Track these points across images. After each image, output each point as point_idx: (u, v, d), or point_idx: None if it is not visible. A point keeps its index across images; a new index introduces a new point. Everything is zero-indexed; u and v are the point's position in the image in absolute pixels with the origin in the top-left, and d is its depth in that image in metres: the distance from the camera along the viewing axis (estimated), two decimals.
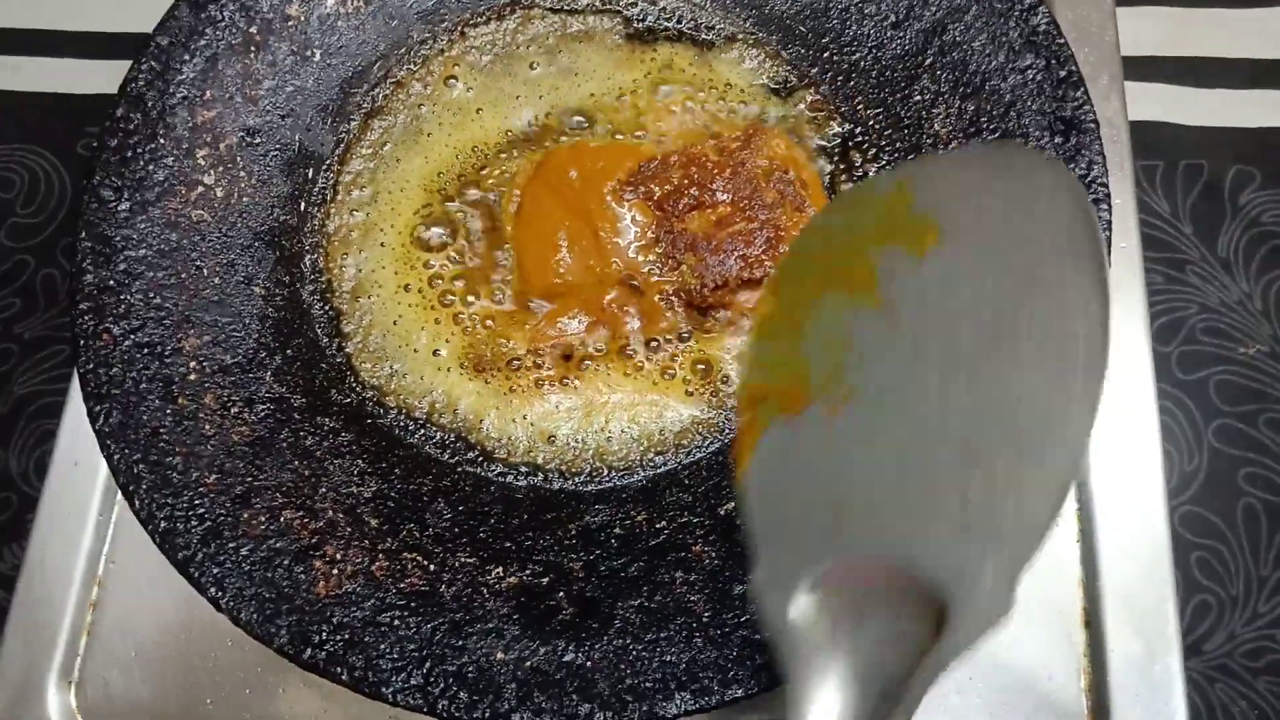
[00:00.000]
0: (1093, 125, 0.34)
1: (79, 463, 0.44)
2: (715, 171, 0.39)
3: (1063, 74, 0.35)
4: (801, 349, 0.30)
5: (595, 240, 0.39)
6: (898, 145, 0.39)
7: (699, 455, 0.38)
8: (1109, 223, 0.33)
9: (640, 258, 0.39)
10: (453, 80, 0.44)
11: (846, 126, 0.40)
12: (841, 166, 0.40)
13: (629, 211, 0.39)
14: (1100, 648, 0.39)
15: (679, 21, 0.43)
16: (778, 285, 0.32)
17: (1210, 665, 0.47)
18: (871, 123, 0.40)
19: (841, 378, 0.29)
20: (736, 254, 0.38)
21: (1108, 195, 0.34)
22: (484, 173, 0.43)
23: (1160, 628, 0.40)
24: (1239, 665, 0.47)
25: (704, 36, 0.42)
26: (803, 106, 0.41)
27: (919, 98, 0.38)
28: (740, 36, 0.42)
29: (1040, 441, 0.26)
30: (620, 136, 0.42)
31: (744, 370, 0.33)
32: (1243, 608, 0.48)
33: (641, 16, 0.44)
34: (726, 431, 0.38)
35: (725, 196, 0.39)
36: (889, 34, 0.39)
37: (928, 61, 0.38)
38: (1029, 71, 0.36)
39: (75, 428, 0.45)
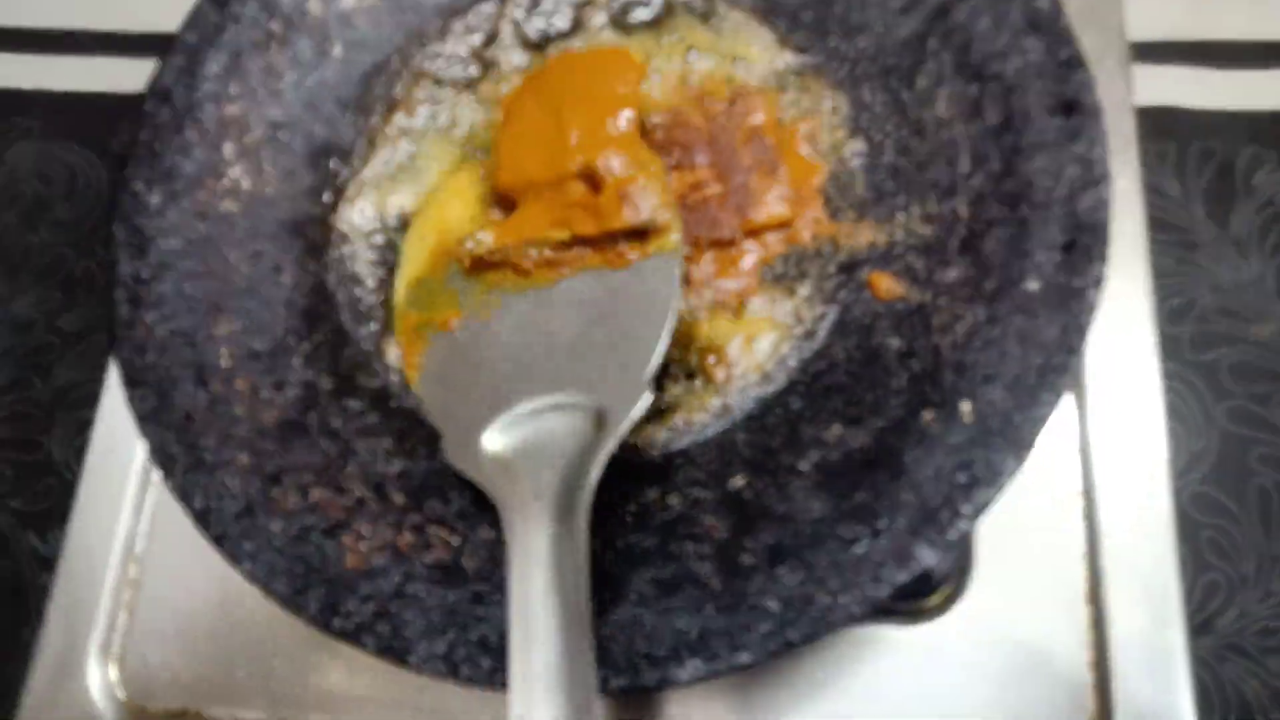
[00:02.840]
0: (1094, 105, 0.35)
1: (116, 447, 0.46)
2: (697, 135, 0.40)
3: (1064, 56, 0.36)
4: (447, 286, 0.40)
5: (561, 134, 0.40)
6: (901, 130, 0.40)
7: (709, 433, 0.39)
8: (1108, 202, 0.34)
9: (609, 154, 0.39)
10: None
11: (850, 110, 0.41)
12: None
13: (605, 109, 0.40)
14: (1103, 622, 0.40)
15: (691, 7, 0.45)
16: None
17: (1221, 644, 0.48)
18: (877, 108, 0.41)
19: (488, 300, 0.40)
20: (708, 216, 0.39)
21: (1107, 175, 0.34)
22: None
23: (1163, 601, 0.41)
24: (1250, 644, 0.48)
25: (712, 23, 0.43)
26: (811, 92, 0.42)
27: (924, 82, 0.39)
28: (746, 23, 0.43)
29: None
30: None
31: (397, 309, 0.41)
32: (1254, 586, 0.49)
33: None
34: (735, 409, 0.39)
35: (704, 160, 0.40)
36: (895, 19, 0.40)
37: (932, 46, 0.39)
38: (1031, 54, 0.37)
39: (112, 414, 0.47)
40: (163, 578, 0.44)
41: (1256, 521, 0.50)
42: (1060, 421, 0.44)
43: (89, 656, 0.43)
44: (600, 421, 0.35)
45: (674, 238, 0.38)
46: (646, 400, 0.35)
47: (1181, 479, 0.50)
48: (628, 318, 0.37)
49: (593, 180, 0.39)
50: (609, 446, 0.34)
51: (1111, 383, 0.44)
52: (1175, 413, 0.52)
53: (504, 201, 0.41)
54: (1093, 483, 0.43)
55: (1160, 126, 0.59)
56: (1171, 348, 0.54)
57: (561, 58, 0.44)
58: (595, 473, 0.33)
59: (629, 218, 0.38)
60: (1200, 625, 0.48)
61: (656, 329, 0.36)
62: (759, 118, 0.40)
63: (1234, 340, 0.54)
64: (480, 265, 0.40)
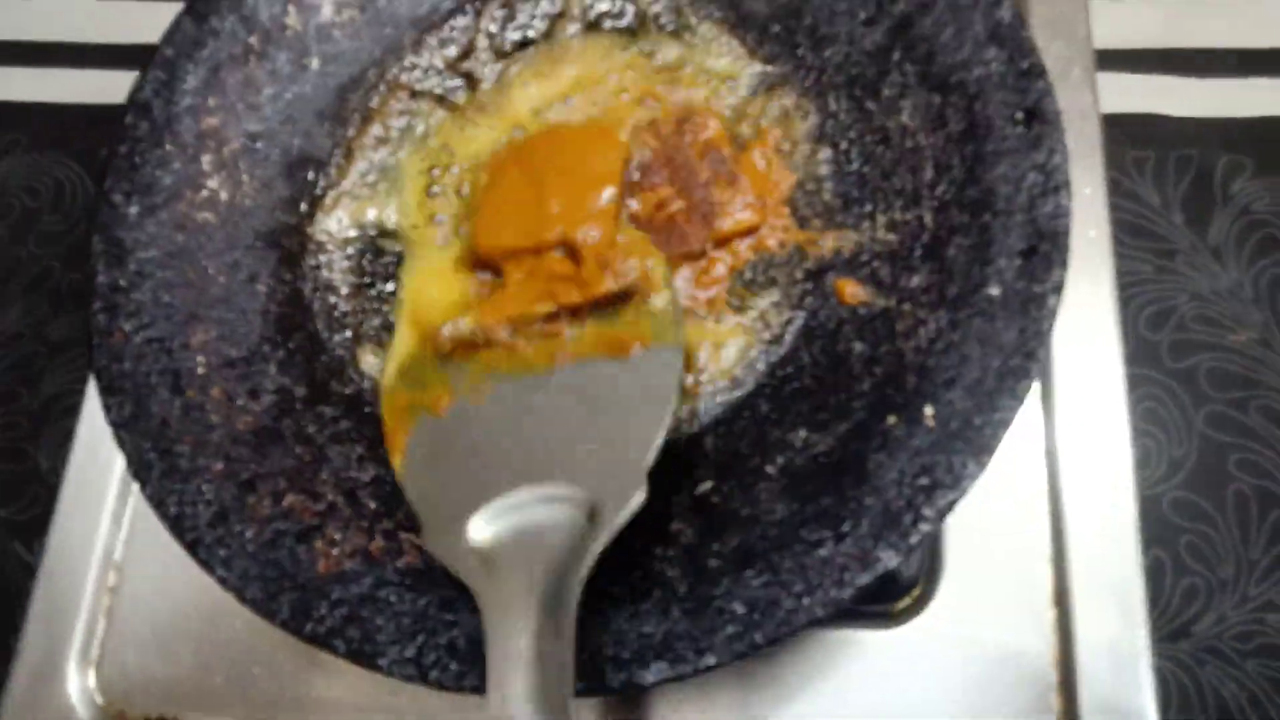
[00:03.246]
0: (1054, 115, 0.36)
1: (96, 455, 0.47)
2: (654, 157, 0.41)
3: (1025, 66, 0.37)
4: (440, 368, 0.39)
5: (541, 206, 0.40)
6: (867, 139, 0.40)
7: (675, 437, 0.39)
8: (1068, 209, 0.35)
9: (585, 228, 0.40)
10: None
11: (817, 119, 0.42)
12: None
13: (585, 185, 0.41)
14: (1069, 624, 0.40)
15: (663, 21, 0.45)
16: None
17: (1200, 648, 0.48)
18: (843, 117, 0.41)
19: (480, 385, 0.38)
20: (675, 233, 0.40)
21: (1067, 182, 0.35)
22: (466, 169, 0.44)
23: (1128, 603, 0.41)
24: (1228, 648, 0.48)
25: (683, 35, 0.44)
26: (780, 102, 0.43)
27: (889, 92, 0.40)
28: (716, 35, 0.44)
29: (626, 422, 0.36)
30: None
31: (385, 389, 0.40)
32: (1232, 591, 0.49)
33: (620, 11, 0.46)
34: (702, 414, 0.39)
35: (662, 178, 0.41)
36: (860, 30, 0.41)
37: (896, 57, 0.40)
38: (993, 64, 0.37)
39: (93, 422, 0.48)
40: (141, 584, 0.45)
41: (1235, 526, 0.50)
42: (1026, 425, 0.44)
43: (69, 662, 0.44)
44: (592, 514, 0.33)
45: (677, 335, 0.37)
46: (641, 496, 0.33)
47: (1162, 484, 0.51)
48: (625, 410, 0.35)
49: (573, 252, 0.39)
50: (602, 541, 0.32)
51: (1077, 387, 0.45)
52: (1155, 419, 0.52)
53: (486, 266, 0.41)
54: (1059, 486, 0.43)
55: (1139, 134, 0.59)
56: (1150, 355, 0.54)
57: (549, 130, 0.44)
58: (585, 569, 0.31)
59: (610, 284, 0.38)
60: (1179, 629, 0.48)
61: (655, 424, 0.34)
62: (710, 132, 0.41)
63: (1212, 347, 0.54)
64: (466, 347, 0.39)
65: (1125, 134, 0.59)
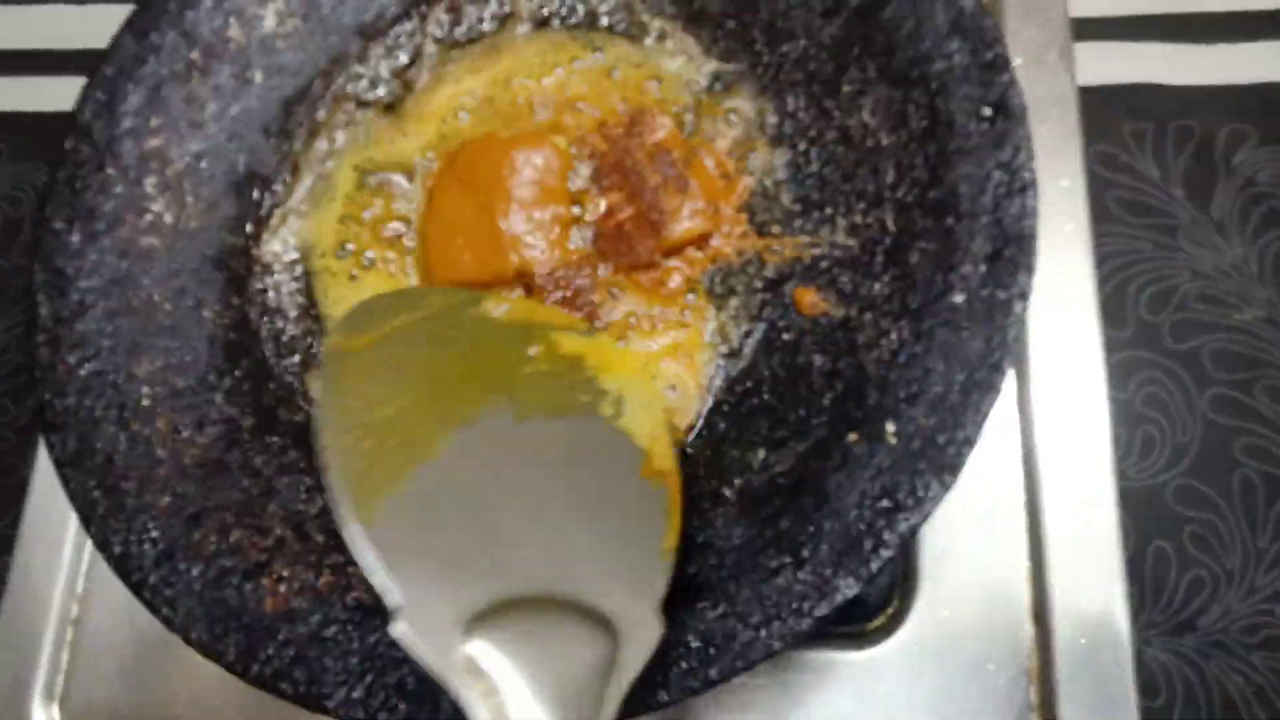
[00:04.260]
0: (1019, 109, 0.34)
1: (58, 485, 0.46)
2: (602, 161, 0.39)
3: (989, 57, 0.34)
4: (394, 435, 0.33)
5: (494, 233, 0.39)
6: (826, 139, 0.38)
7: None
8: (1035, 210, 0.33)
9: (539, 252, 0.39)
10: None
11: (775, 119, 0.40)
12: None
13: (535, 203, 0.39)
14: (1048, 640, 0.39)
15: (614, 19, 0.43)
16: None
17: (1205, 641, 0.47)
18: (801, 116, 0.39)
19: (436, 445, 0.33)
20: (623, 241, 0.38)
21: (1034, 182, 0.33)
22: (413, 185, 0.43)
23: (1108, 616, 0.39)
24: (1235, 641, 0.46)
25: (635, 34, 0.42)
26: (736, 102, 0.41)
27: (848, 88, 0.38)
28: (669, 33, 0.42)
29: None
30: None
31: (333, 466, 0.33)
32: (1239, 581, 0.48)
33: (570, 10, 0.44)
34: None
35: (610, 183, 0.39)
36: (818, 23, 0.39)
37: (855, 51, 0.38)
38: (955, 56, 0.35)
39: None
40: (104, 616, 0.44)
41: (1241, 515, 0.49)
42: (1002, 431, 0.43)
43: (33, 698, 0.43)
44: (604, 624, 0.29)
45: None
46: (658, 631, 0.29)
47: (1165, 473, 0.49)
48: (620, 508, 0.32)
49: (528, 285, 0.38)
50: (630, 676, 0.28)
51: (1057, 390, 0.43)
52: (1157, 404, 0.51)
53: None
54: (1037, 491, 0.41)
55: (1136, 105, 0.57)
56: (1151, 337, 0.52)
57: (484, 142, 0.42)
58: (613, 708, 0.28)
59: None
60: (1184, 623, 0.47)
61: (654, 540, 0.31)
62: (661, 134, 0.39)
63: (1216, 327, 0.52)
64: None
65: (1122, 105, 0.57)
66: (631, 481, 0.33)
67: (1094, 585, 0.39)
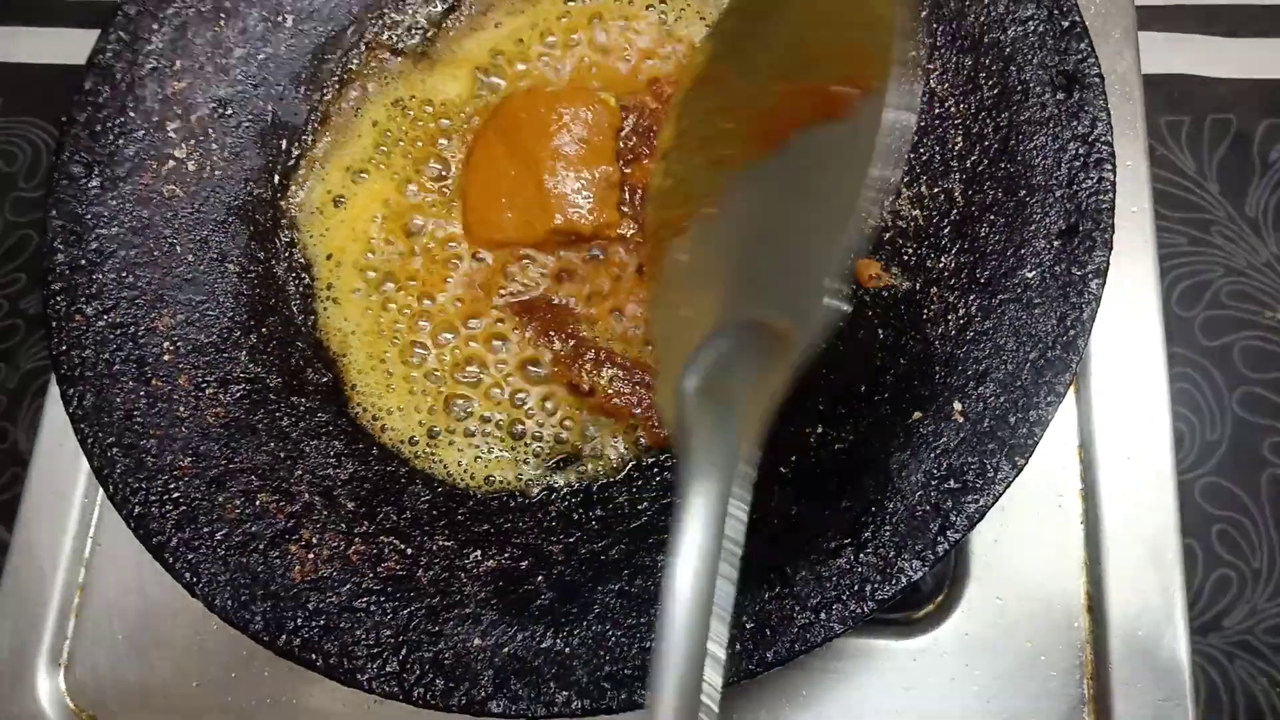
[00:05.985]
0: (1097, 79, 0.32)
1: (64, 445, 0.44)
2: (654, 120, 0.38)
3: (1065, 24, 0.33)
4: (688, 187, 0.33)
5: (540, 192, 0.37)
6: None
7: None
8: (1112, 184, 0.31)
9: (587, 212, 0.37)
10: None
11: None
12: None
13: (582, 162, 0.38)
14: (1103, 633, 0.38)
15: None
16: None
17: (1230, 641, 0.46)
18: None
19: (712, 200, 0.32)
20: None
21: (1112, 155, 0.32)
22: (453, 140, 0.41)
23: (1167, 610, 0.38)
24: (1260, 641, 0.46)
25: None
26: None
27: (914, 53, 0.36)
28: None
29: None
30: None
31: (648, 209, 0.35)
32: (1265, 582, 0.47)
33: None
34: None
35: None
36: None
37: (923, 13, 0.36)
38: (1030, 22, 0.34)
39: (61, 409, 0.45)
40: (113, 582, 0.42)
41: (1269, 514, 0.48)
42: (1058, 420, 0.41)
43: (38, 664, 0.41)
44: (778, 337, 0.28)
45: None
46: (833, 309, 0.27)
47: (1194, 471, 0.48)
48: (805, 213, 0.29)
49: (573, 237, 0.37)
50: (785, 370, 0.27)
51: (1116, 377, 0.42)
52: (1187, 401, 0.50)
53: None
54: (1094, 484, 0.40)
55: (1173, 97, 0.56)
56: (1184, 333, 0.51)
57: (529, 95, 0.40)
58: (776, 392, 0.27)
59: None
60: (1210, 622, 0.46)
61: (837, 223, 0.27)
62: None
63: (1248, 325, 0.52)
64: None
65: (1159, 96, 0.56)
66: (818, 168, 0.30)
67: (1151, 579, 0.38)
